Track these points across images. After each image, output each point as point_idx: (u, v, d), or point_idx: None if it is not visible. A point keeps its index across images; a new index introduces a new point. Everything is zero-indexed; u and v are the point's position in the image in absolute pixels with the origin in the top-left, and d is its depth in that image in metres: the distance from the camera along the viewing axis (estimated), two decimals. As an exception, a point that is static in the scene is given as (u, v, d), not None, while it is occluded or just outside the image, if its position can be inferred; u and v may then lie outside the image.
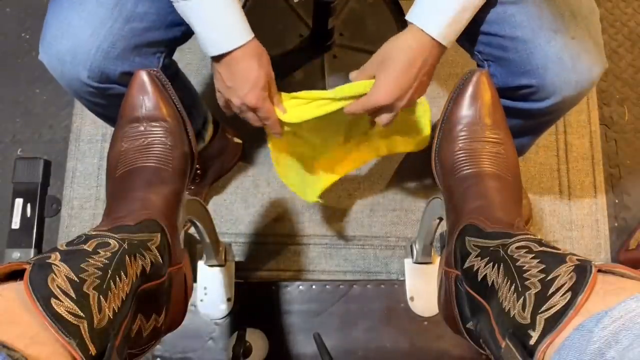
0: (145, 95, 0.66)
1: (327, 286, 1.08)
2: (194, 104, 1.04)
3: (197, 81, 1.38)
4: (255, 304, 1.07)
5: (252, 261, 1.27)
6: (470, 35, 0.80)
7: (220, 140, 1.21)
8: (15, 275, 0.43)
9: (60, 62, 0.74)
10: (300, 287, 1.08)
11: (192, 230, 0.88)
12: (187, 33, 0.80)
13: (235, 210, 1.30)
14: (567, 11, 0.73)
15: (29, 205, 1.29)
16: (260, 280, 1.24)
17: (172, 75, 0.89)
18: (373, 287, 1.08)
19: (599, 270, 0.43)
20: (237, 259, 1.26)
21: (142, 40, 0.74)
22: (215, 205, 1.30)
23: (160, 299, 0.57)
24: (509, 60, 0.76)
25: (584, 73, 0.75)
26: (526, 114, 0.83)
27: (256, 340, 1.03)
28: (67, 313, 0.40)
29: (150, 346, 0.56)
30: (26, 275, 0.41)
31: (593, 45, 0.75)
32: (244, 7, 1.29)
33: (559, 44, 0.73)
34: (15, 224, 1.28)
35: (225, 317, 1.05)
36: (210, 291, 1.05)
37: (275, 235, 1.29)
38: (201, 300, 1.04)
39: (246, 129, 1.35)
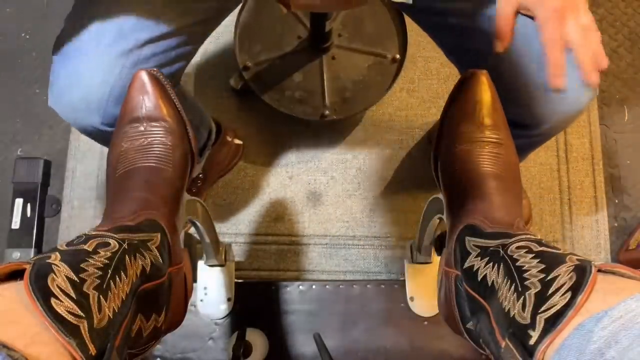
0: (145, 95, 0.66)
1: (327, 286, 1.08)
2: (201, 123, 1.04)
3: (196, 83, 1.38)
4: (255, 304, 1.07)
5: (252, 261, 1.27)
6: (460, 61, 0.80)
7: (220, 141, 1.21)
8: (15, 275, 0.43)
9: (73, 110, 0.73)
10: (300, 287, 1.08)
11: (192, 230, 0.88)
12: (189, 60, 0.80)
13: (235, 210, 1.31)
14: None
15: (29, 205, 1.29)
16: (260, 280, 1.24)
17: (182, 99, 0.89)
18: (373, 287, 1.08)
19: (599, 270, 0.43)
20: (237, 259, 1.26)
21: None
22: (215, 205, 1.30)
23: (161, 299, 0.57)
24: (496, 90, 0.76)
25: (571, 104, 0.75)
26: (516, 136, 0.82)
27: (256, 340, 1.03)
28: (67, 313, 0.40)
29: (150, 346, 0.56)
30: (26, 275, 0.41)
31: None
32: (242, 8, 1.29)
33: (546, 75, 0.73)
34: (15, 224, 1.28)
35: (225, 317, 1.05)
36: (210, 291, 1.05)
37: (275, 235, 1.29)
38: (201, 300, 1.04)
39: (246, 130, 1.36)
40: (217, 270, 1.05)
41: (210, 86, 1.38)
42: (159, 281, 0.56)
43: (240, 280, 1.08)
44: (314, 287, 1.08)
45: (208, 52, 1.40)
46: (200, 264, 1.04)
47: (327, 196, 1.32)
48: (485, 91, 0.68)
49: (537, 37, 0.71)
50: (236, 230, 1.29)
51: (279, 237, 1.29)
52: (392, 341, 1.05)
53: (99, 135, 0.77)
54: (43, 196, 1.31)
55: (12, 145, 1.36)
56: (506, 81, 0.74)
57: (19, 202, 1.29)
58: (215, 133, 1.15)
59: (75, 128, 0.78)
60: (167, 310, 0.59)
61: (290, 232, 1.29)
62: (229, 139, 1.28)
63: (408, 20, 1.30)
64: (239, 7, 1.29)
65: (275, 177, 1.33)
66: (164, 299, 0.57)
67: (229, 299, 1.05)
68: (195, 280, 1.04)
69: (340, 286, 1.08)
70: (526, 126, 0.79)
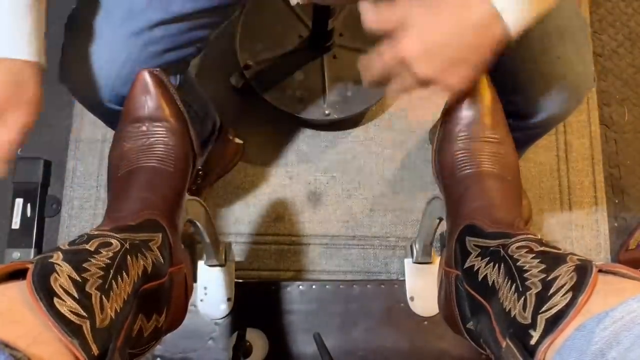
0: (148, 96, 0.66)
1: (327, 286, 1.08)
2: (206, 114, 1.04)
3: (198, 78, 1.38)
4: (255, 304, 1.07)
5: (252, 261, 1.27)
6: None
7: (221, 140, 1.21)
8: (16, 274, 0.43)
9: (81, 87, 0.74)
10: (300, 287, 1.08)
11: (192, 230, 0.88)
12: (201, 48, 0.81)
13: (235, 210, 1.30)
14: (554, 30, 0.72)
15: (29, 205, 1.29)
16: (260, 280, 1.24)
17: (189, 88, 0.89)
18: (373, 287, 1.08)
19: (600, 271, 0.43)
20: (237, 259, 1.26)
21: (159, 63, 0.73)
22: (215, 205, 1.30)
23: (161, 299, 0.57)
24: (495, 77, 0.76)
25: (570, 93, 0.75)
26: (514, 128, 0.83)
27: (256, 340, 1.03)
28: (69, 313, 0.40)
29: (151, 346, 0.56)
30: (29, 274, 0.41)
31: (580, 65, 0.74)
32: (244, 6, 1.29)
33: (545, 64, 0.73)
34: (15, 224, 1.28)
35: (225, 317, 1.05)
36: (211, 291, 1.05)
37: (275, 235, 1.29)
38: (201, 300, 1.04)
39: (247, 129, 1.36)
40: (217, 270, 1.05)
41: (210, 85, 1.38)
42: (160, 281, 0.56)
43: (240, 280, 1.08)
44: (314, 287, 1.08)
45: (209, 50, 1.40)
46: (200, 264, 1.04)
47: (327, 196, 1.32)
48: (485, 91, 0.68)
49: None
50: (236, 230, 1.29)
51: (279, 237, 1.29)
52: (392, 341, 1.05)
53: (105, 114, 0.77)
54: (43, 196, 1.31)
55: (12, 145, 1.36)
56: (506, 69, 0.74)
57: (19, 202, 1.29)
58: (217, 130, 1.15)
59: (83, 105, 0.78)
60: (168, 310, 0.59)
61: (290, 232, 1.29)
62: (230, 138, 1.28)
63: (408, 20, 1.30)
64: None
65: (275, 177, 1.33)
66: (164, 299, 0.58)
67: (229, 299, 1.05)
68: (195, 280, 1.04)
69: (340, 286, 1.08)
70: (524, 116, 0.79)
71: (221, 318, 1.05)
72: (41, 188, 1.30)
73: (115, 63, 0.70)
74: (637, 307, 0.36)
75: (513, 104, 0.77)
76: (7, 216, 1.29)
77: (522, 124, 0.80)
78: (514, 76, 0.74)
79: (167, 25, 0.72)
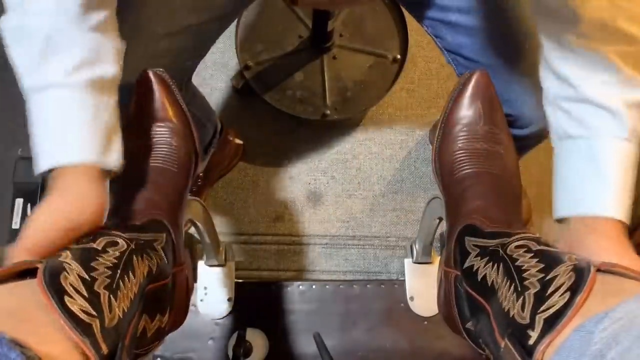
0: (151, 96, 0.66)
1: (327, 286, 1.08)
2: (208, 119, 1.04)
3: (197, 82, 1.38)
4: (255, 304, 1.07)
5: (252, 261, 1.27)
6: (457, 61, 0.80)
7: (221, 140, 1.21)
8: (24, 273, 0.43)
9: None
10: (300, 287, 1.08)
11: (192, 230, 0.88)
12: (203, 55, 0.81)
13: (235, 210, 1.31)
14: None
15: (29, 205, 1.29)
16: (260, 280, 1.24)
17: (192, 96, 0.89)
18: (373, 287, 1.08)
19: (599, 270, 0.43)
20: (237, 259, 1.26)
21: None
22: (215, 205, 1.30)
23: (165, 300, 0.57)
24: None
25: None
26: None
27: (256, 340, 1.03)
28: (80, 311, 0.40)
29: (154, 347, 0.56)
30: (39, 273, 0.41)
31: None
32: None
33: (536, 78, 0.73)
34: (16, 224, 1.28)
35: (225, 317, 1.05)
36: (211, 291, 1.05)
37: (275, 235, 1.29)
38: (201, 300, 1.04)
39: (247, 129, 1.36)
40: (218, 270, 1.05)
41: (210, 85, 1.38)
42: (164, 282, 0.56)
43: (240, 280, 1.08)
44: (314, 287, 1.08)
45: (209, 51, 1.40)
46: (201, 264, 1.04)
47: (327, 196, 1.32)
48: (485, 91, 0.68)
49: (527, 38, 0.71)
50: (236, 230, 1.29)
51: (279, 237, 1.29)
52: (392, 341, 1.05)
53: None
54: (43, 196, 1.31)
55: (12, 145, 1.36)
56: (500, 80, 0.74)
57: (19, 202, 1.29)
58: (218, 134, 1.16)
59: None
60: (171, 310, 0.59)
61: (290, 232, 1.30)
62: (230, 138, 1.28)
63: (409, 20, 1.30)
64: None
65: (275, 177, 1.33)
66: (168, 300, 0.58)
67: (229, 299, 1.05)
68: (195, 280, 1.04)
69: (340, 286, 1.08)
70: (517, 126, 0.79)
71: (221, 318, 1.05)
72: (41, 188, 1.30)
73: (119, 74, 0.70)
74: (636, 308, 0.36)
75: (508, 116, 0.77)
76: (7, 216, 1.29)
77: (515, 134, 0.80)
78: (507, 90, 0.74)
79: (171, 37, 0.72)
